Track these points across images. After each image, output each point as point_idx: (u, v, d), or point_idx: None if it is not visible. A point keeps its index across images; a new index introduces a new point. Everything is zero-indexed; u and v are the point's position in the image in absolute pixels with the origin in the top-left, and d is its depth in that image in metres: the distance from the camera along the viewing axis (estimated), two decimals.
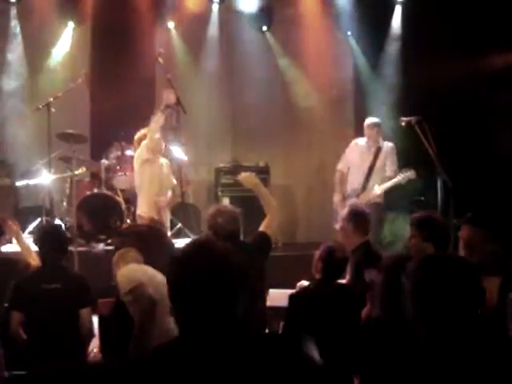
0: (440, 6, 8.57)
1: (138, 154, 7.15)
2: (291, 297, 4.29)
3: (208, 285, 1.93)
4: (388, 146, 7.38)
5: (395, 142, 7.48)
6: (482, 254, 4.28)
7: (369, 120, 7.48)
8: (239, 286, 1.98)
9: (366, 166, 7.32)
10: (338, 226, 5.20)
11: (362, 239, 4.83)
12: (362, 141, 7.51)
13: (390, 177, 7.22)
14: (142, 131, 7.18)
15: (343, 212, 5.08)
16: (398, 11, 9.37)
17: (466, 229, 4.57)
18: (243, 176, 5.03)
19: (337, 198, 7.38)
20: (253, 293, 4.40)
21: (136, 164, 7.15)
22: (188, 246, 2.12)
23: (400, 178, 6.95)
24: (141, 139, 7.13)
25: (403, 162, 7.37)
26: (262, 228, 4.77)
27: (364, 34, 9.24)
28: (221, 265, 1.96)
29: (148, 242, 4.33)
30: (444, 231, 4.31)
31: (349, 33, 9.50)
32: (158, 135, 7.02)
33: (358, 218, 4.85)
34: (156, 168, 7.13)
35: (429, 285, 2.27)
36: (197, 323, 1.94)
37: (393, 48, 9.28)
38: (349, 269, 4.60)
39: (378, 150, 7.36)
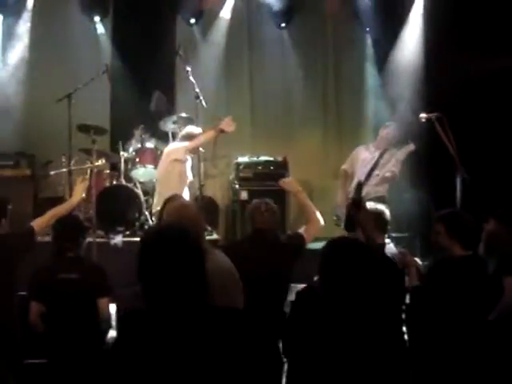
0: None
1: (174, 150, 7.15)
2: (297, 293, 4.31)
3: (168, 263, 2.31)
4: (403, 149, 7.37)
5: (415, 138, 7.47)
6: (504, 252, 4.23)
7: (386, 123, 7.54)
8: (194, 264, 2.34)
9: (370, 165, 7.37)
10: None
11: (382, 239, 4.82)
12: (372, 144, 7.57)
13: (386, 177, 7.29)
14: (188, 129, 7.23)
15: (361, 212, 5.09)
16: (419, 5, 9.29)
17: (492, 223, 4.44)
18: (286, 181, 5.09)
19: (339, 198, 7.42)
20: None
21: (167, 159, 7.16)
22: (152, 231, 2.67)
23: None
24: (186, 137, 7.15)
25: (422, 159, 7.36)
26: (302, 231, 4.83)
27: (382, 29, 9.20)
28: (178, 247, 2.34)
29: None
30: (472, 229, 4.23)
31: (367, 29, 9.47)
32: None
33: (379, 216, 4.86)
34: (186, 168, 7.22)
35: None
36: (159, 294, 2.32)
37: (413, 43, 9.21)
38: None
39: (385, 150, 7.38)
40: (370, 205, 4.54)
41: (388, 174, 7.39)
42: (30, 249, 4.61)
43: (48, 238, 5.10)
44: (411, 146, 7.26)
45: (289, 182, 5.16)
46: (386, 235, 4.90)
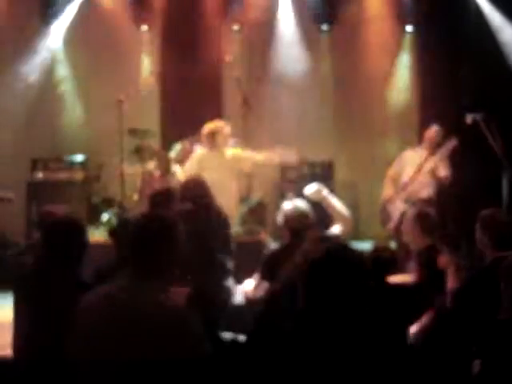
0: None
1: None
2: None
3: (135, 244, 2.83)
4: (445, 146, 7.37)
5: (460, 138, 7.48)
6: None
7: (432, 126, 7.58)
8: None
9: (416, 167, 7.39)
10: (391, 226, 5.30)
11: (429, 241, 4.88)
12: (418, 149, 7.62)
13: (435, 179, 7.32)
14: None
15: (409, 214, 5.17)
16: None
17: None
18: (308, 194, 5.23)
19: (384, 196, 7.52)
20: None
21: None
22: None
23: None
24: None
25: (467, 159, 7.36)
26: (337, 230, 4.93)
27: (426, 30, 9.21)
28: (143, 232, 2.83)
29: None
30: (503, 229, 4.13)
31: (409, 29, 9.48)
32: None
33: (425, 219, 4.92)
34: None
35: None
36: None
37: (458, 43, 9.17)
38: (416, 269, 4.72)
39: (432, 152, 7.39)
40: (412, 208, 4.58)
41: (440, 175, 7.39)
42: None
43: None
44: (453, 142, 7.22)
45: (311, 194, 5.28)
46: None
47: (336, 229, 4.99)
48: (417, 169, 7.36)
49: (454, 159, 7.54)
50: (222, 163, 7.09)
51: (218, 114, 8.62)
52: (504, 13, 8.98)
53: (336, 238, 4.81)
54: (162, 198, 5.40)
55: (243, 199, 7.89)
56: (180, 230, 2.89)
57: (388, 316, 4.19)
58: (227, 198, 6.69)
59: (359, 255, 2.61)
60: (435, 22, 9.04)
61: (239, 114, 7.89)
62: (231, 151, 7.24)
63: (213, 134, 7.10)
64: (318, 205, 5.22)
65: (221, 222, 5.49)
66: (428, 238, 4.88)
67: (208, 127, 7.16)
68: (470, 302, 3.97)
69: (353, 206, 8.93)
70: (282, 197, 8.53)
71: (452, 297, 4.19)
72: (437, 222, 5.01)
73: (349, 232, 5.05)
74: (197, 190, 5.46)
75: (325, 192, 5.24)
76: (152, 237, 2.80)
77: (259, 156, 7.18)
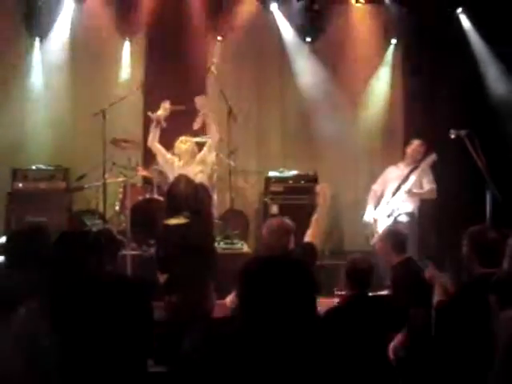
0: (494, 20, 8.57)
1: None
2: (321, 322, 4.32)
3: None
4: (426, 160, 7.42)
5: (444, 154, 7.52)
6: None
7: (413, 140, 7.63)
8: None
9: (398, 182, 7.44)
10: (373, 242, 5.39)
11: (401, 257, 4.96)
12: (400, 165, 7.67)
13: (419, 193, 7.36)
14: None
15: (381, 232, 5.28)
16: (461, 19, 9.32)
17: None
18: (322, 187, 5.19)
19: (367, 215, 7.57)
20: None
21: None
22: None
23: None
24: None
25: (452, 175, 7.41)
26: (308, 238, 4.88)
27: (414, 42, 9.25)
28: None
29: None
30: (491, 245, 4.09)
31: (394, 41, 9.50)
32: None
33: (394, 237, 4.98)
34: None
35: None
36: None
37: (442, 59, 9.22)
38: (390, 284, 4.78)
39: (414, 167, 7.44)
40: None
41: (422, 190, 7.46)
42: None
43: None
44: (433, 156, 7.36)
45: (321, 188, 5.21)
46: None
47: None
48: (399, 184, 7.41)
49: (438, 174, 7.60)
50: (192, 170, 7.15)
51: (202, 125, 8.59)
52: (481, 31, 9.09)
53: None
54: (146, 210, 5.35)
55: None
56: None
57: (365, 326, 4.23)
58: None
59: (297, 269, 2.49)
60: (420, 36, 9.08)
61: (224, 125, 7.87)
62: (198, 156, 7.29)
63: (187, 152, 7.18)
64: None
65: (210, 232, 5.46)
66: (399, 254, 5.00)
67: (178, 146, 7.22)
68: (456, 317, 3.96)
69: (337, 218, 8.97)
70: (266, 209, 8.53)
71: (437, 312, 4.18)
72: (407, 238, 5.13)
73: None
74: (192, 193, 5.34)
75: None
76: None
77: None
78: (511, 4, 8.37)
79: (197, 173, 7.00)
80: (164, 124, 7.08)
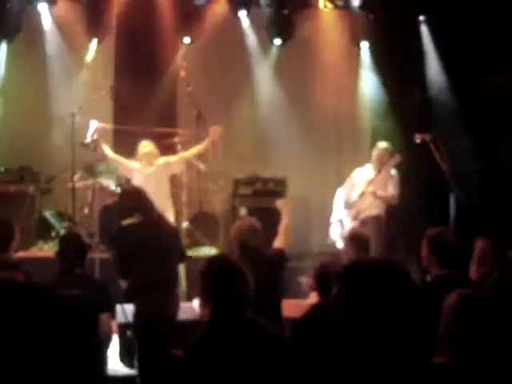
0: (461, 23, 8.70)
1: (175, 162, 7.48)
2: (295, 326, 4.32)
3: None
4: (389, 162, 7.53)
5: (409, 157, 7.64)
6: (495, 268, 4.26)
7: (378, 144, 7.71)
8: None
9: (364, 184, 7.54)
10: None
11: None
12: (367, 166, 7.76)
13: (383, 197, 7.46)
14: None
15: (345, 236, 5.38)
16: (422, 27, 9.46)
17: (480, 241, 4.34)
18: (282, 202, 5.35)
19: (333, 217, 7.68)
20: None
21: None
22: None
23: None
24: None
25: (416, 179, 7.52)
26: (278, 244, 5.13)
27: (381, 48, 9.37)
28: None
29: None
30: (451, 248, 4.21)
31: (362, 45, 9.62)
32: None
33: (357, 239, 5.04)
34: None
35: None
36: None
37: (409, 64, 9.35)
38: None
39: (380, 170, 7.54)
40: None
41: (385, 194, 7.55)
42: None
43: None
44: (396, 158, 7.44)
45: (285, 203, 5.39)
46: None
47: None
48: (365, 187, 7.49)
49: (405, 176, 7.70)
50: (154, 171, 7.44)
51: (172, 128, 8.64)
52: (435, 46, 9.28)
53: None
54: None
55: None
56: None
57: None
58: (163, 201, 6.98)
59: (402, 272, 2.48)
60: (388, 40, 9.20)
61: (193, 127, 7.91)
62: (162, 159, 7.56)
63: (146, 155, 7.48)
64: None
65: (172, 233, 5.49)
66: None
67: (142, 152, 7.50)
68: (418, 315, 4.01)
69: (305, 221, 9.04)
70: (234, 212, 8.58)
71: None
72: (370, 240, 5.16)
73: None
74: (143, 201, 5.39)
75: None
76: None
77: (187, 152, 7.64)
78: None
79: (159, 173, 7.41)
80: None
